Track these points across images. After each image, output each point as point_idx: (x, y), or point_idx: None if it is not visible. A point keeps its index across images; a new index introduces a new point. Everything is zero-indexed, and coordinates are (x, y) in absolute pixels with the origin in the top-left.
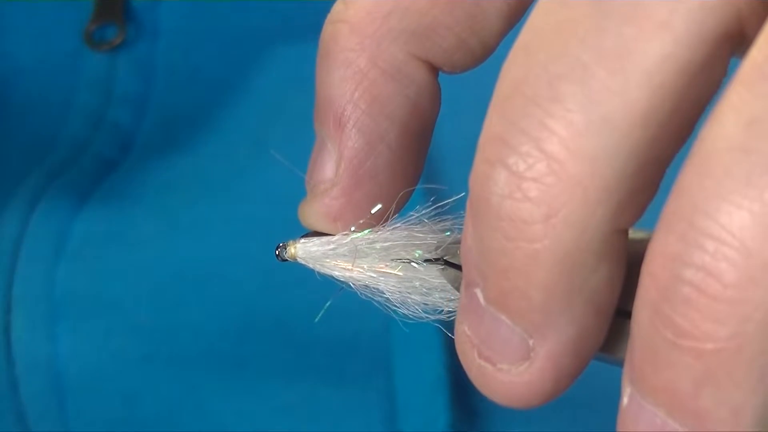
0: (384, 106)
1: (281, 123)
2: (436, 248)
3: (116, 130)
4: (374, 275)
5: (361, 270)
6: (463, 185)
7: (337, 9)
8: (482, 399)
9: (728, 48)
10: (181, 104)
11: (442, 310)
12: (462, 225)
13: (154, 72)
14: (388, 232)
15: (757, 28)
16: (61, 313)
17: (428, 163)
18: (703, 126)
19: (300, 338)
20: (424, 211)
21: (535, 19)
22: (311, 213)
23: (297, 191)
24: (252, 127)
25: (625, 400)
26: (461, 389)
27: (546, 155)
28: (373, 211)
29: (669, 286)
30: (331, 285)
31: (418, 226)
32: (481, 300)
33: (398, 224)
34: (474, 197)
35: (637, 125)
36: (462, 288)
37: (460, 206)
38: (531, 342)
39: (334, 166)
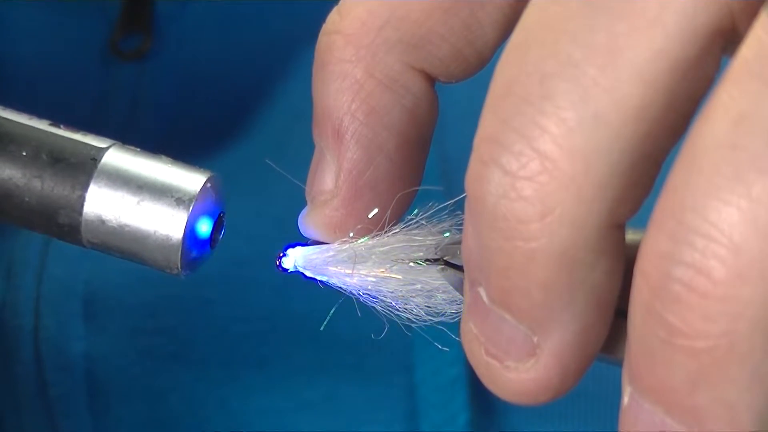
0: (381, 117)
1: (306, 128)
2: (436, 249)
3: (144, 137)
4: (375, 280)
5: (362, 276)
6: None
7: (331, 20)
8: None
9: (720, 44)
10: (207, 111)
11: (445, 312)
12: (461, 226)
13: (181, 80)
14: (387, 237)
15: (749, 25)
16: (89, 314)
17: (439, 164)
18: (693, 124)
19: (322, 337)
20: (422, 214)
21: (527, 17)
22: (312, 224)
23: None
24: (277, 132)
25: (625, 399)
26: (480, 387)
27: (539, 154)
28: (370, 216)
29: (660, 284)
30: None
31: (416, 229)
32: (485, 299)
33: (397, 228)
34: (470, 197)
35: (630, 121)
36: (466, 287)
37: (459, 208)
38: (535, 339)
39: (334, 177)
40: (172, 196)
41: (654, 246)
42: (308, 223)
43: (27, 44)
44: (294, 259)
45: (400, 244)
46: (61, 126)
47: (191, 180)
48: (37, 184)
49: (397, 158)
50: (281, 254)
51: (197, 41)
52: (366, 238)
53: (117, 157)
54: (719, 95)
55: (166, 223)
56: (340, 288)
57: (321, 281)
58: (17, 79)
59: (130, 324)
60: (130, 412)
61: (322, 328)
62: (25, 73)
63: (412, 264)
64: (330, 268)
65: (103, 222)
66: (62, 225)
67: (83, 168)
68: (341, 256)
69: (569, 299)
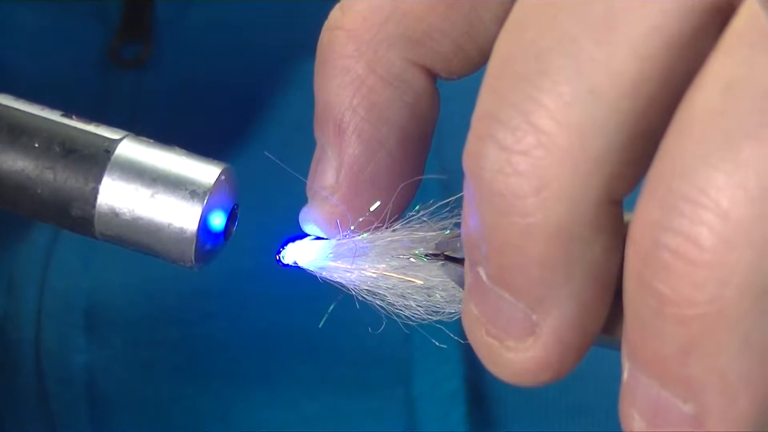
0: (383, 112)
1: (306, 137)
2: (436, 245)
3: None
4: (374, 275)
5: (362, 270)
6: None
7: (333, 16)
8: (499, 409)
9: (717, 21)
10: (206, 120)
11: (444, 311)
12: (455, 219)
13: (180, 88)
14: (388, 232)
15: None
16: (90, 326)
17: (438, 162)
18: (685, 94)
19: (323, 351)
20: (423, 211)
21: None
22: (313, 219)
23: None
24: (277, 143)
25: (624, 375)
26: (478, 400)
27: (535, 128)
28: (372, 209)
29: (649, 252)
30: (350, 299)
31: (417, 225)
32: (484, 278)
33: (398, 224)
34: (468, 174)
35: (626, 96)
36: (466, 267)
37: (459, 205)
38: (534, 317)
39: (335, 173)
40: (187, 189)
41: (644, 213)
42: (310, 217)
43: (26, 51)
44: (293, 253)
45: (401, 239)
46: (73, 117)
47: (206, 172)
48: (49, 175)
49: (397, 154)
50: (282, 249)
51: (196, 50)
52: (366, 233)
53: (131, 149)
54: (710, 64)
55: (180, 216)
56: (339, 283)
57: (320, 276)
58: (16, 86)
59: (131, 336)
60: (132, 425)
61: (320, 326)
62: (24, 80)
63: (412, 259)
64: (330, 262)
65: (116, 215)
66: (75, 217)
67: (96, 159)
68: (341, 250)
69: (567, 275)
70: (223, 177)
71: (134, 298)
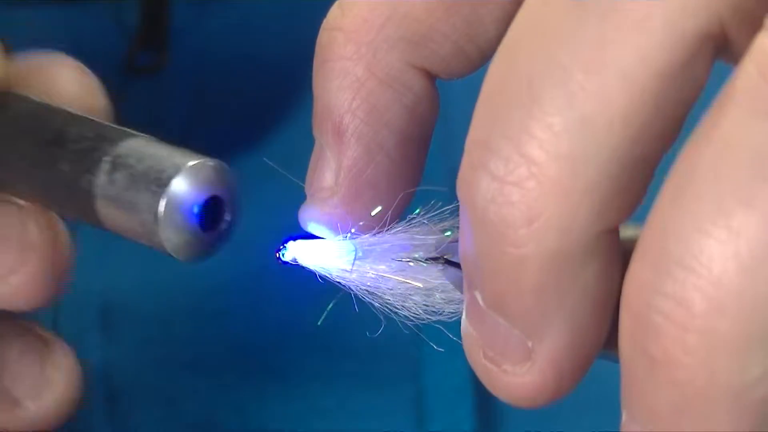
0: (382, 115)
1: None
2: (436, 248)
3: None
4: (374, 277)
5: (362, 272)
6: None
7: (333, 15)
8: (506, 404)
9: (710, 49)
10: (221, 126)
11: (444, 311)
12: (455, 220)
13: (196, 94)
14: (389, 235)
15: (740, 33)
16: (105, 324)
17: (444, 161)
18: (681, 150)
19: (334, 346)
20: (424, 212)
21: (518, 19)
22: (312, 220)
23: None
24: (292, 146)
25: (622, 419)
26: (486, 394)
27: (526, 159)
28: (373, 214)
29: (642, 314)
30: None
31: (418, 227)
32: (480, 302)
33: (398, 226)
34: (462, 201)
35: (617, 126)
36: (465, 289)
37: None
38: (530, 344)
39: (333, 175)
40: (154, 177)
41: (637, 274)
42: (308, 218)
43: None
44: (294, 251)
45: (401, 242)
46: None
47: (178, 162)
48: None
49: (397, 156)
50: (281, 246)
51: (212, 56)
52: (367, 235)
53: (130, 145)
54: (707, 123)
55: (147, 204)
56: (339, 283)
57: (320, 275)
58: None
59: (146, 333)
60: (148, 420)
61: (319, 323)
62: None
63: (412, 264)
64: (330, 262)
65: (109, 203)
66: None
67: (94, 153)
68: (342, 251)
69: (560, 302)
70: (198, 168)
71: (148, 296)
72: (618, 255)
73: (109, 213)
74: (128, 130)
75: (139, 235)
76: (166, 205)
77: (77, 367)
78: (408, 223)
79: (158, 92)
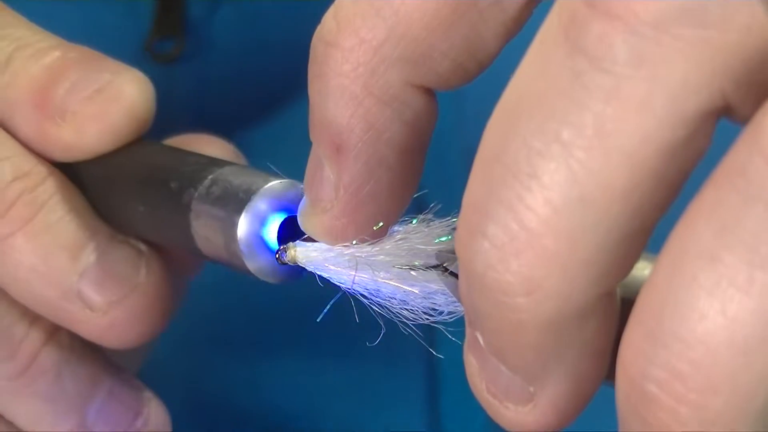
0: (381, 133)
1: None
2: (436, 255)
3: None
4: (375, 286)
5: (361, 278)
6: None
7: (328, 27)
8: None
9: (712, 122)
10: (236, 115)
11: (444, 311)
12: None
13: (211, 83)
14: (389, 245)
15: (744, 103)
16: None
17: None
18: (678, 223)
19: (350, 323)
20: (423, 218)
21: (519, 81)
22: (313, 227)
23: None
24: (306, 137)
25: None
26: None
27: (525, 230)
28: (375, 228)
29: (637, 380)
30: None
31: (417, 234)
32: (482, 344)
33: (398, 233)
34: (460, 260)
35: (616, 203)
36: (466, 325)
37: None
38: (531, 389)
39: (333, 190)
40: (247, 189)
41: (634, 340)
42: (309, 227)
43: None
44: (294, 254)
45: (402, 251)
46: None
47: (258, 183)
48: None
49: (397, 169)
50: (281, 248)
51: (228, 46)
52: (367, 244)
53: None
54: (704, 199)
55: (231, 214)
56: (340, 285)
57: (321, 277)
58: None
59: None
60: (167, 395)
61: (318, 320)
62: None
63: (413, 272)
64: (330, 267)
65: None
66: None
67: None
68: (342, 258)
69: (559, 357)
70: (284, 186)
71: None
72: (616, 309)
73: (199, 226)
74: (241, 164)
75: (222, 252)
76: (246, 215)
77: (167, 425)
78: (407, 230)
79: (172, 80)
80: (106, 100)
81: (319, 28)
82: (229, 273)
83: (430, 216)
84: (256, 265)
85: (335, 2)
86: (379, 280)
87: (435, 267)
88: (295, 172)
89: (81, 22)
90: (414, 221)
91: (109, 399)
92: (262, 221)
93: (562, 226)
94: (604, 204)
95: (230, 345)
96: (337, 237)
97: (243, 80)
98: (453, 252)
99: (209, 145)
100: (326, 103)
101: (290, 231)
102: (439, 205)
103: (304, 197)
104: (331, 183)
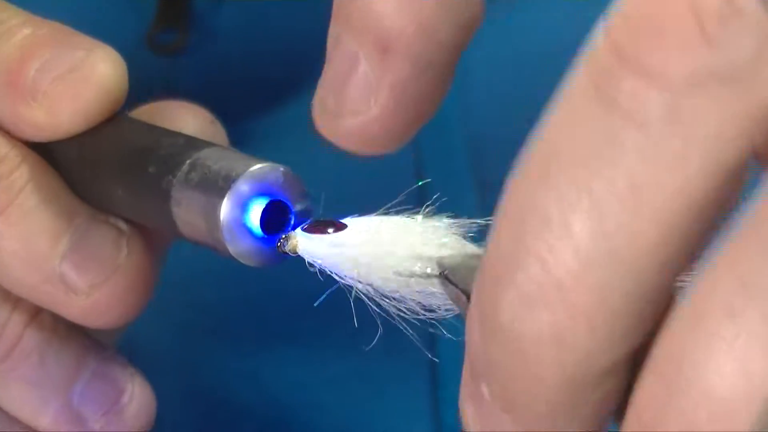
0: (434, 35)
1: None
2: (438, 263)
3: None
4: (373, 287)
5: (360, 278)
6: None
7: None
8: None
9: (743, 174)
10: (238, 109)
11: (440, 307)
12: (458, 229)
13: (214, 75)
14: (388, 245)
15: None
16: None
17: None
18: (699, 273)
19: (352, 316)
20: (426, 211)
21: (548, 134)
22: (340, 131)
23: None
24: (311, 131)
25: None
26: None
27: (554, 281)
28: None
29: (651, 425)
30: None
31: (419, 235)
32: (486, 395)
33: (399, 227)
34: (481, 309)
35: (645, 258)
36: (468, 378)
37: (463, 208)
38: None
39: (370, 91)
40: (227, 175)
41: (650, 388)
42: (334, 131)
43: None
44: (296, 243)
45: (402, 252)
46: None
47: (248, 164)
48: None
49: (442, 68)
50: (283, 238)
51: (231, 38)
52: (366, 242)
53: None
54: (726, 251)
55: (214, 200)
56: (339, 280)
57: (319, 267)
58: None
59: (166, 299)
60: (165, 385)
61: (316, 304)
62: None
63: (413, 281)
64: (330, 259)
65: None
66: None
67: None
68: (342, 251)
69: (574, 413)
70: (265, 170)
71: (170, 261)
72: (632, 370)
73: (180, 212)
74: (217, 143)
75: (205, 237)
76: (229, 200)
77: (152, 402)
78: (408, 227)
79: (175, 72)
80: (79, 79)
81: None
82: (228, 265)
83: (433, 209)
84: (239, 250)
85: None
86: (377, 282)
87: (437, 276)
88: (298, 164)
89: (82, 13)
90: (417, 217)
91: (93, 378)
92: (243, 207)
93: (591, 281)
94: (634, 259)
95: (230, 337)
96: (371, 144)
97: (247, 72)
98: (455, 258)
99: (184, 113)
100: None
101: (273, 215)
102: (444, 198)
103: (322, 96)
104: (368, 83)
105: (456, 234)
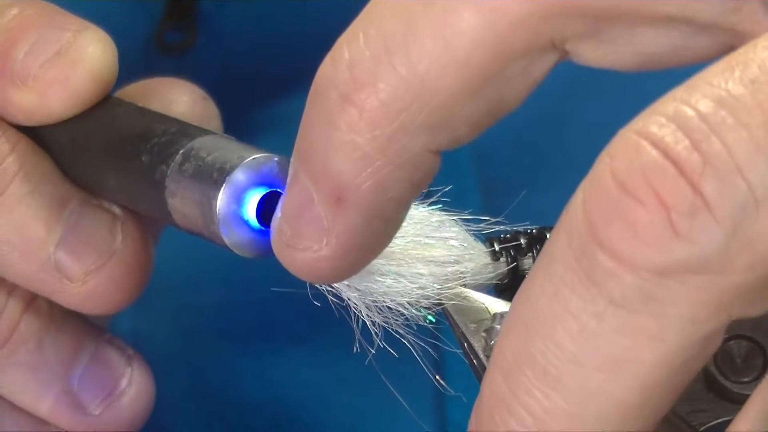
0: (387, 192)
1: None
2: (437, 294)
3: None
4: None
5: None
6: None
7: (343, 78)
8: None
9: (719, 337)
10: (244, 108)
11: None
12: (459, 230)
13: (220, 74)
14: (389, 279)
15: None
16: None
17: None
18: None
19: (357, 316)
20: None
21: (532, 297)
22: (294, 263)
23: None
24: None
25: None
26: None
27: None
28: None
29: None
30: None
31: (422, 227)
32: None
33: (402, 251)
34: None
35: (630, 418)
36: None
37: (466, 208)
38: None
39: (323, 236)
40: (221, 167)
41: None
42: (288, 261)
43: None
44: None
45: (399, 286)
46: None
47: (241, 156)
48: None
49: (393, 220)
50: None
51: (238, 37)
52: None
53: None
54: (755, 400)
55: (209, 192)
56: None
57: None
58: None
59: (175, 302)
60: (174, 387)
61: (319, 304)
62: None
63: (410, 312)
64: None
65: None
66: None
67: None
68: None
69: None
70: (261, 161)
71: (178, 265)
72: None
73: (175, 204)
74: (210, 129)
75: (201, 228)
76: (225, 193)
77: (151, 385)
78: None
79: (182, 71)
80: (68, 63)
81: (329, 69)
82: (236, 265)
83: (437, 212)
84: (235, 241)
85: (346, 44)
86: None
87: (437, 306)
88: None
89: (91, 12)
90: (420, 208)
91: (92, 363)
92: (240, 199)
93: None
94: (618, 419)
95: (238, 338)
96: (319, 277)
97: (251, 69)
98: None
99: (177, 89)
100: (333, 155)
101: (269, 205)
102: (449, 198)
103: (280, 224)
104: (321, 226)
105: (460, 228)
